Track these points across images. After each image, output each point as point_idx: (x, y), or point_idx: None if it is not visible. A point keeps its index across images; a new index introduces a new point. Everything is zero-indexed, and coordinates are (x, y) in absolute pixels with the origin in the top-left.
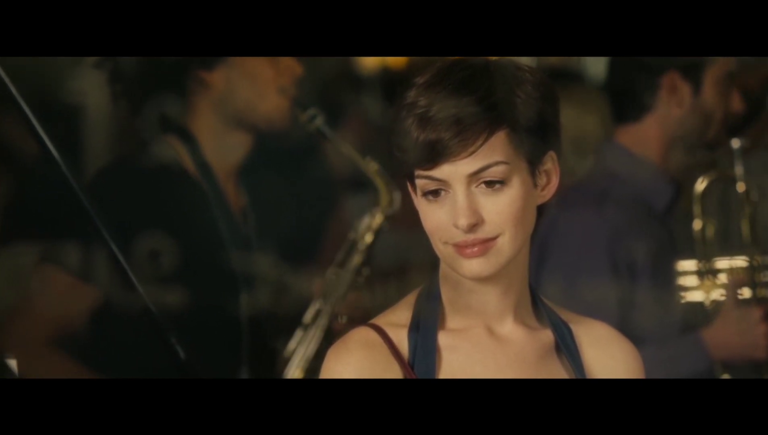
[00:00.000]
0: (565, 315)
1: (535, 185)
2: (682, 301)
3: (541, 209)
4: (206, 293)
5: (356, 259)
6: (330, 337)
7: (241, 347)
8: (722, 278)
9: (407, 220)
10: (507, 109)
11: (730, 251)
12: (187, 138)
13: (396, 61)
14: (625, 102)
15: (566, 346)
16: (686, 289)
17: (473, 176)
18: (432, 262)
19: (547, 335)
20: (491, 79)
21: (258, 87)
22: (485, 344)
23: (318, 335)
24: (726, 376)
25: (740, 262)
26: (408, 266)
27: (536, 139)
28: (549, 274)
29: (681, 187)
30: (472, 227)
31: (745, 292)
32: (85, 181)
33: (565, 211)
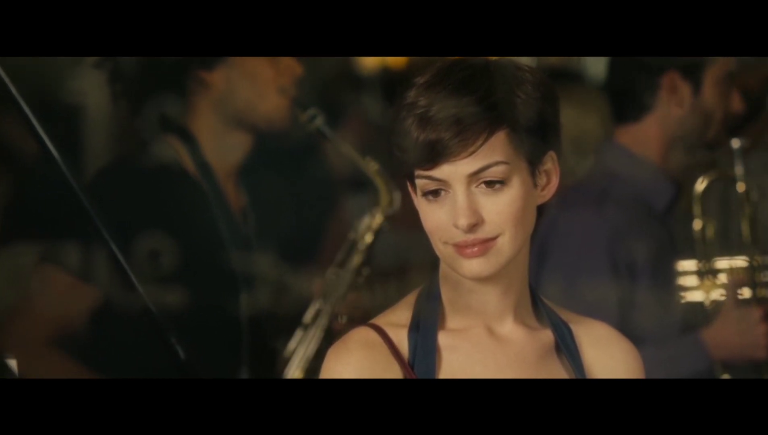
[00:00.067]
0: (565, 315)
1: (535, 185)
2: (682, 301)
3: (541, 209)
4: (206, 293)
5: (356, 259)
6: (330, 337)
7: (241, 347)
8: (722, 278)
9: (407, 220)
10: (507, 109)
11: (730, 251)
12: (187, 138)
13: (396, 61)
14: (625, 102)
15: (566, 346)
16: (686, 289)
17: (473, 176)
18: (432, 262)
19: (547, 335)
20: (491, 79)
21: (258, 87)
22: (485, 344)
23: (318, 335)
24: (726, 376)
25: (740, 262)
26: (408, 266)
27: (536, 139)
28: (549, 274)
29: (681, 187)
30: (472, 227)
31: (745, 292)
32: (85, 181)
33: (565, 211)
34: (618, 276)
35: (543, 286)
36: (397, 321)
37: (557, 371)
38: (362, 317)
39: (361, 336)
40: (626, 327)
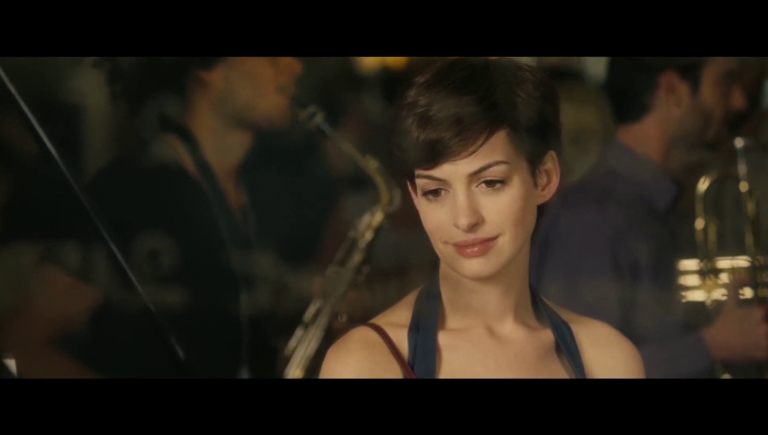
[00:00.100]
0: (566, 315)
1: (536, 185)
2: (684, 300)
3: (541, 209)
4: (206, 293)
5: (356, 257)
6: (330, 336)
7: (241, 347)
8: (724, 278)
9: (407, 220)
10: (507, 109)
11: (732, 251)
12: (187, 137)
13: (396, 61)
14: (626, 102)
15: (566, 346)
16: (688, 288)
17: (473, 176)
18: (432, 262)
19: (548, 335)
20: (491, 78)
21: (257, 86)
22: (485, 344)
23: (318, 334)
24: (727, 376)
25: (742, 262)
26: (408, 266)
27: (536, 139)
28: (550, 274)
29: (682, 186)
30: (473, 227)
31: (747, 292)
32: (85, 181)
33: (566, 210)
34: (619, 276)
35: (544, 285)
36: (397, 321)
37: (557, 371)
38: (362, 316)
39: (361, 336)
40: (627, 327)
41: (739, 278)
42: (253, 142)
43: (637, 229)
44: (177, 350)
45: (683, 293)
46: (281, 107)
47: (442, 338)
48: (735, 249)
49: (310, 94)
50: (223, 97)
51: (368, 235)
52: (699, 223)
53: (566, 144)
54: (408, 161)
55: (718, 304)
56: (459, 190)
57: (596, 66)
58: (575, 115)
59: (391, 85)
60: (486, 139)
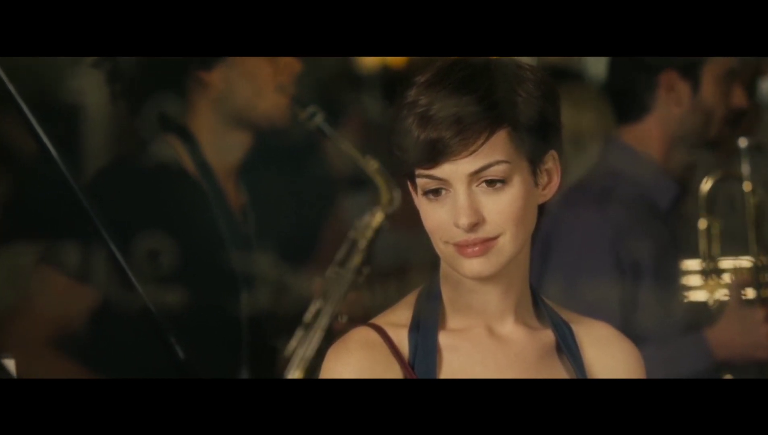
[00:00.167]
0: (566, 315)
1: (536, 184)
2: (686, 300)
3: (542, 208)
4: (206, 293)
5: (357, 258)
6: (330, 337)
7: (241, 347)
8: (726, 278)
9: (407, 220)
10: (508, 108)
11: (734, 251)
12: (187, 137)
13: (396, 60)
14: (626, 102)
15: (567, 346)
16: (690, 288)
17: (474, 175)
18: (432, 262)
19: (548, 335)
20: (492, 78)
21: (257, 85)
22: (486, 344)
23: (318, 335)
24: (729, 376)
25: (745, 262)
26: (408, 266)
27: (537, 138)
28: (551, 274)
29: (684, 186)
30: (473, 227)
31: (749, 293)
32: (85, 181)
33: (567, 210)
34: (621, 276)
35: (545, 285)
36: (398, 321)
37: (558, 371)
38: (363, 317)
39: (361, 336)
40: (629, 326)
41: (742, 278)
42: (253, 142)
43: (638, 229)
44: (177, 350)
45: (685, 293)
46: (281, 107)
47: (443, 338)
48: (737, 249)
49: (310, 94)
50: (222, 97)
51: (368, 236)
52: (701, 223)
53: (567, 144)
54: (408, 161)
55: (720, 304)
56: (459, 189)
57: (596, 66)
58: (575, 115)
59: (392, 84)
60: (486, 139)
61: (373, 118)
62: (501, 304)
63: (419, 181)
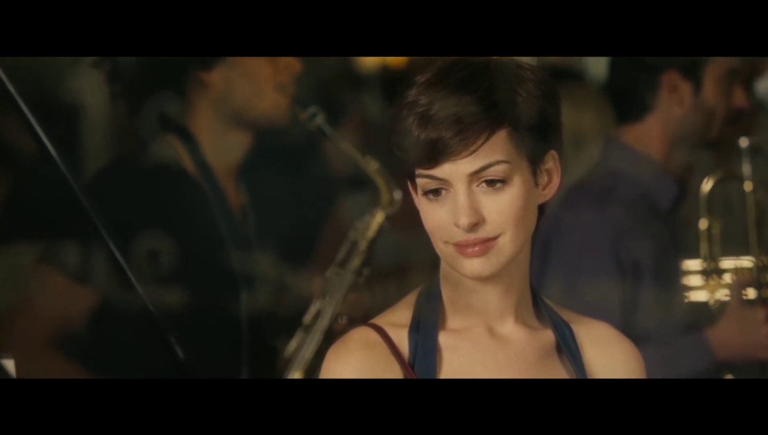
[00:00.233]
0: (566, 315)
1: (537, 184)
2: (687, 300)
3: (542, 208)
4: (206, 293)
5: (357, 259)
6: (330, 338)
7: (240, 347)
8: (727, 278)
9: (407, 220)
10: (508, 108)
11: (735, 251)
12: (187, 137)
13: (396, 60)
14: (627, 102)
15: (567, 346)
16: (691, 288)
17: (474, 175)
18: (432, 262)
19: (548, 335)
20: (492, 77)
21: (257, 85)
22: (486, 344)
23: (318, 336)
24: (730, 377)
25: (745, 262)
26: (408, 266)
27: (537, 138)
28: (552, 274)
29: (685, 185)
30: (473, 226)
31: (750, 293)
32: (85, 181)
33: (568, 210)
34: (621, 275)
35: (546, 285)
36: (398, 321)
37: (558, 371)
38: (363, 318)
39: (361, 336)
40: (630, 326)
41: (743, 278)
42: (253, 142)
43: (639, 229)
44: (177, 350)
45: (686, 293)
46: (281, 107)
47: (443, 338)
48: (738, 249)
49: (310, 94)
50: (222, 97)
51: (369, 237)
52: (702, 223)
53: (567, 144)
54: (408, 161)
55: (720, 304)
56: (459, 189)
57: (597, 66)
58: (576, 115)
59: (392, 84)
60: (487, 139)
61: (373, 118)
62: (501, 304)
63: (419, 181)
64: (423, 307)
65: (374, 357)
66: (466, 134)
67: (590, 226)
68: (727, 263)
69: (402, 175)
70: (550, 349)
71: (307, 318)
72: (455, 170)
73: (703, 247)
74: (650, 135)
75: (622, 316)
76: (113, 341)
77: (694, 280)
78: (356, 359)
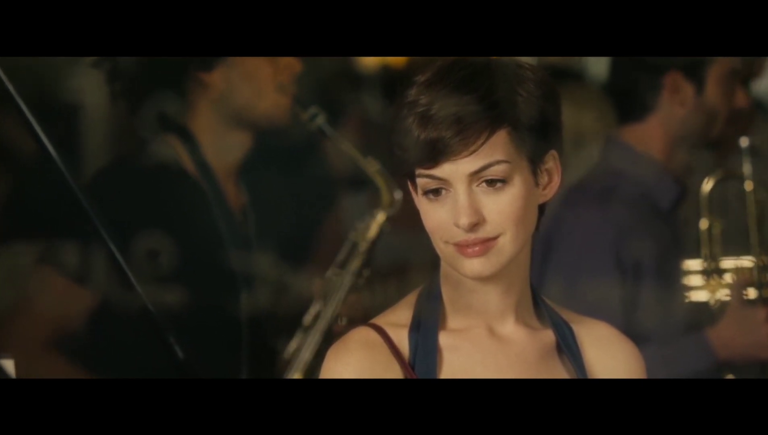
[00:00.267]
0: (567, 315)
1: (537, 184)
2: (687, 300)
3: (542, 208)
4: (206, 293)
5: (357, 260)
6: (330, 340)
7: (240, 347)
8: (728, 278)
9: (407, 220)
10: (508, 108)
11: (736, 251)
12: (187, 137)
13: (396, 60)
14: (628, 102)
15: (567, 347)
16: (691, 288)
17: (474, 175)
18: (432, 262)
19: (549, 335)
20: (492, 77)
21: (257, 85)
22: (486, 344)
23: (317, 337)
24: (730, 376)
25: (746, 261)
26: (408, 266)
27: (538, 138)
28: (553, 274)
29: (686, 185)
30: (473, 226)
31: (751, 292)
32: (84, 181)
33: (569, 210)
34: (622, 275)
35: (547, 285)
36: (398, 321)
37: (558, 371)
38: (363, 318)
39: (361, 336)
40: (631, 326)
41: (743, 278)
42: (253, 142)
43: (639, 229)
44: (176, 350)
45: (687, 293)
46: (281, 106)
47: (443, 338)
48: (739, 249)
49: (311, 94)
50: (223, 98)
51: (369, 239)
52: (703, 223)
53: (567, 144)
54: (409, 160)
55: (721, 304)
56: (460, 189)
57: (597, 66)
58: (576, 114)
59: (392, 84)
60: (487, 139)
61: (373, 118)
62: (501, 304)
63: (419, 180)
64: (423, 307)
65: (374, 357)
66: (466, 134)
67: (591, 226)
68: (727, 263)
69: (402, 174)
70: (551, 349)
71: (307, 319)
72: (455, 170)
73: (704, 247)
74: (651, 135)
75: (623, 316)
76: (113, 341)
77: (695, 280)
78: (356, 359)
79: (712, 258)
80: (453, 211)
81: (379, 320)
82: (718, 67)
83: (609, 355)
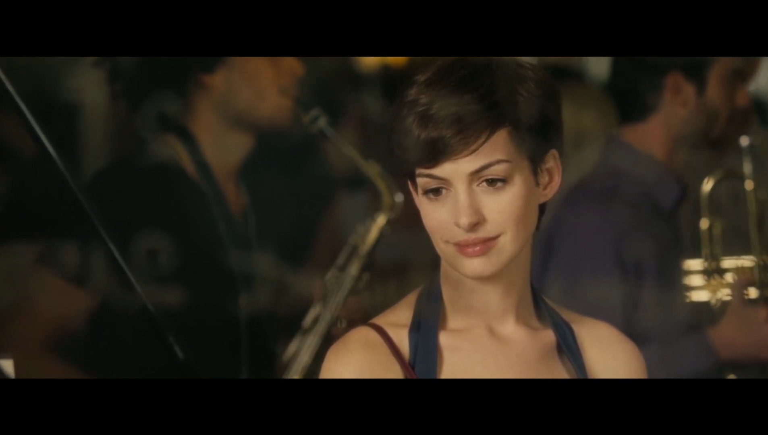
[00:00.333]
0: (567, 315)
1: (537, 184)
2: (688, 300)
3: (542, 208)
4: (205, 293)
5: (357, 264)
6: (329, 343)
7: (240, 347)
8: (729, 278)
9: (407, 220)
10: (509, 107)
11: (737, 250)
12: (187, 137)
13: (396, 59)
14: (629, 102)
15: (568, 347)
16: (693, 288)
17: (475, 175)
18: (432, 262)
19: (549, 335)
20: (493, 77)
21: (259, 87)
22: (486, 344)
23: (317, 340)
24: (732, 376)
25: (747, 261)
26: (408, 266)
27: (538, 138)
28: (554, 274)
29: (687, 185)
30: (474, 226)
31: (752, 292)
32: (84, 181)
33: (570, 210)
34: (623, 275)
35: (548, 285)
36: (398, 321)
37: (559, 372)
38: (362, 321)
39: (361, 336)
40: (632, 326)
41: (744, 278)
42: (254, 143)
43: (640, 229)
44: (176, 350)
45: (688, 293)
46: (283, 109)
47: (443, 338)
48: (740, 249)
49: (312, 95)
50: (224, 99)
51: (369, 242)
52: (704, 223)
53: (568, 143)
54: (409, 160)
55: (722, 304)
56: (460, 189)
57: (598, 65)
58: (577, 114)
59: (392, 83)
60: (487, 138)
61: (373, 118)
62: (502, 304)
63: (420, 180)
64: (423, 307)
65: (374, 357)
66: (466, 133)
67: (592, 226)
68: (728, 263)
69: (402, 174)
70: (551, 349)
71: (307, 322)
72: (456, 169)
73: (705, 246)
74: (652, 135)
75: (624, 316)
76: (112, 341)
77: (696, 280)
78: (356, 359)
79: (713, 258)
80: (453, 211)
81: (379, 320)
82: (719, 68)
83: (609, 356)
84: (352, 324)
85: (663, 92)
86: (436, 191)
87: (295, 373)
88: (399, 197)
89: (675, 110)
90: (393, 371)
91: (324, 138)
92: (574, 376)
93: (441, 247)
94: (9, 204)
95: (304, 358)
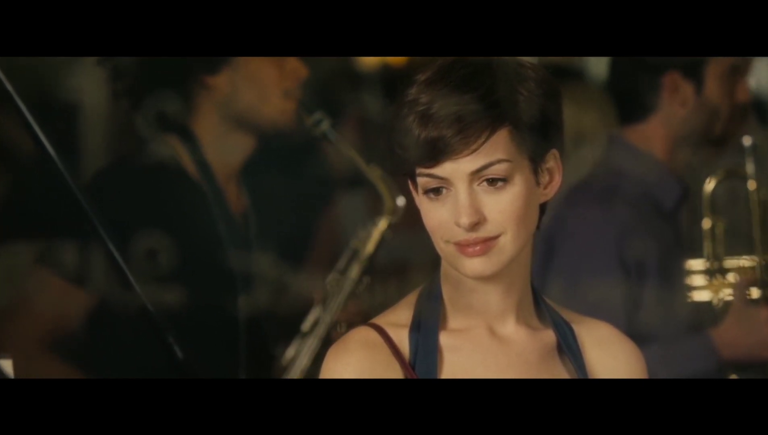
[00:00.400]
0: (568, 315)
1: (538, 183)
2: (690, 300)
3: (543, 208)
4: (205, 293)
5: (357, 267)
6: (328, 346)
7: (239, 347)
8: (731, 278)
9: (408, 219)
10: (509, 107)
11: (739, 250)
12: (187, 137)
13: (396, 59)
14: (629, 102)
15: (568, 347)
16: (694, 288)
17: (475, 174)
18: (433, 262)
19: (549, 335)
20: (493, 76)
21: (262, 90)
22: (487, 344)
23: (316, 344)
24: (734, 377)
25: (749, 261)
26: (408, 266)
27: (539, 137)
28: (555, 274)
29: (689, 185)
30: (474, 226)
31: (754, 292)
32: (84, 181)
33: (571, 209)
34: (625, 275)
35: (549, 285)
36: (398, 321)
37: (559, 372)
38: (362, 324)
39: (361, 336)
40: (633, 326)
41: (746, 278)
42: (255, 144)
43: (642, 229)
44: (175, 350)
45: (689, 293)
46: (286, 111)
47: (444, 338)
48: (742, 248)
49: (313, 97)
50: (227, 100)
51: (370, 246)
52: (706, 223)
53: (569, 143)
54: (409, 160)
55: (724, 304)
56: (460, 188)
57: (598, 65)
58: (578, 114)
59: (392, 83)
60: (488, 138)
61: (373, 117)
62: (502, 304)
63: (420, 180)
64: (424, 307)
65: (374, 357)
66: (467, 133)
67: (593, 226)
68: (730, 262)
69: (402, 174)
70: (552, 349)
71: (306, 325)
72: (456, 169)
73: (707, 246)
74: (653, 134)
75: (626, 316)
76: (112, 341)
77: (698, 280)
78: (356, 359)
79: (715, 257)
80: (454, 211)
81: (380, 320)
82: (717, 65)
83: (610, 356)
84: (352, 327)
85: (661, 92)
86: (436, 191)
87: (294, 376)
88: (400, 201)
89: (674, 110)
90: (393, 371)
91: (327, 141)
92: (575, 377)
93: (441, 247)
94: (9, 204)
95: (303, 361)
